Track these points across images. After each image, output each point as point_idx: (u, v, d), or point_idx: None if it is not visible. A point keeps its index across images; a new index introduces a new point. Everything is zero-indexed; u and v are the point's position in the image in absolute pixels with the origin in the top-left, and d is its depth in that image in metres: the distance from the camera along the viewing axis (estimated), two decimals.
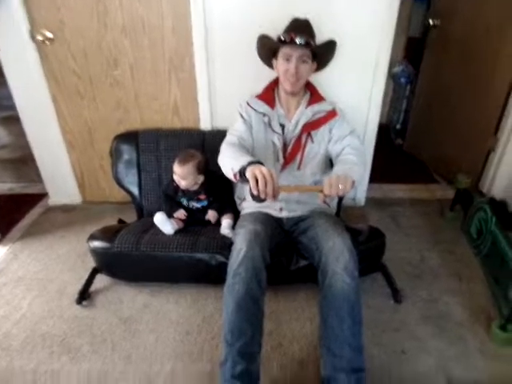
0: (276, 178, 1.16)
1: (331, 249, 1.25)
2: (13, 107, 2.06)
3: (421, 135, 2.80)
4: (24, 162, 2.48)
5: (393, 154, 2.97)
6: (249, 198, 1.57)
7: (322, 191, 1.18)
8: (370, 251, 1.57)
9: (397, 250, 1.88)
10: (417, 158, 2.83)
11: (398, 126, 3.11)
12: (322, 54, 1.50)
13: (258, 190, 1.14)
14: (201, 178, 1.67)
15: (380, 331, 1.45)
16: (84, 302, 1.59)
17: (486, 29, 2.13)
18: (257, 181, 1.15)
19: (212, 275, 1.56)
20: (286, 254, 1.52)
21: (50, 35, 1.84)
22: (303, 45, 1.39)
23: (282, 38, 1.41)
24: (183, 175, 1.63)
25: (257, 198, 1.17)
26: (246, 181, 1.18)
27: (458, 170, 2.16)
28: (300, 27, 1.45)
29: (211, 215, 1.68)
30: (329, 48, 1.52)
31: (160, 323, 1.50)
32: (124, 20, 1.80)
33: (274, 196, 1.16)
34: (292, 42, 1.39)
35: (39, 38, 1.83)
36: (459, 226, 2.07)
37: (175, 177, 1.66)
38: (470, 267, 1.79)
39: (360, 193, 2.24)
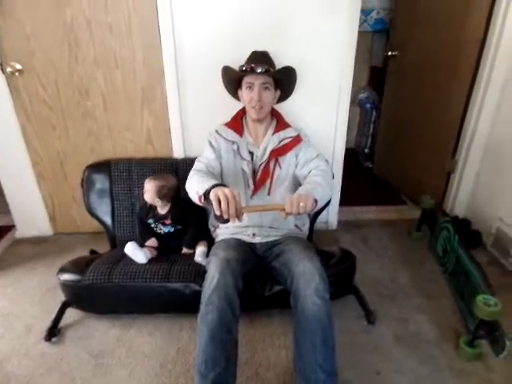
0: (238, 198, 1.19)
1: (302, 273, 1.27)
2: None
3: (387, 158, 2.93)
4: None
5: (362, 177, 3.08)
6: (221, 224, 1.60)
7: (283, 210, 1.21)
8: (341, 273, 1.60)
9: (368, 271, 1.93)
10: (385, 181, 2.94)
11: (367, 150, 3.24)
12: (283, 80, 1.58)
13: (221, 211, 1.17)
14: (159, 202, 1.69)
15: (354, 354, 1.47)
16: (53, 339, 1.53)
17: (437, 57, 2.31)
18: (220, 202, 1.17)
19: (186, 304, 1.54)
20: (260, 279, 1.53)
21: (19, 67, 1.84)
22: (263, 72, 1.47)
23: (244, 68, 1.50)
24: (152, 194, 1.66)
25: (220, 219, 1.19)
26: (211, 203, 1.20)
27: (422, 191, 2.27)
28: (259, 57, 1.54)
29: (185, 253, 1.69)
30: (288, 74, 1.60)
31: (133, 357, 1.46)
32: (96, 52, 1.84)
33: (238, 216, 1.18)
34: (252, 71, 1.47)
35: (9, 69, 1.83)
36: (426, 245, 2.15)
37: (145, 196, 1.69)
38: (438, 285, 1.85)
39: (332, 216, 2.30)
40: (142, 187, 1.80)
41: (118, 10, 1.76)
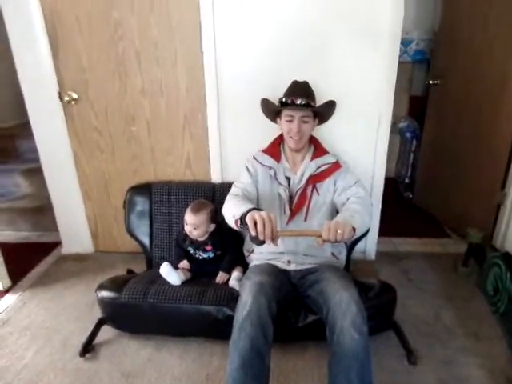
0: (275, 221, 1.19)
1: (338, 303, 1.23)
2: (36, 159, 2.19)
3: (429, 189, 2.82)
4: (41, 211, 2.57)
5: (402, 207, 2.97)
6: (256, 249, 1.60)
7: (320, 236, 1.19)
8: (380, 307, 1.52)
9: (409, 307, 1.81)
10: (427, 212, 2.82)
11: (407, 180, 3.14)
12: (323, 112, 1.60)
13: (257, 232, 1.16)
14: (212, 227, 1.70)
15: None
16: (87, 355, 1.56)
17: (481, 86, 2.23)
18: (256, 223, 1.17)
19: (218, 329, 1.52)
20: (294, 308, 1.49)
21: (75, 96, 2.00)
22: (303, 106, 1.48)
23: (284, 101, 1.52)
24: (196, 224, 1.65)
25: (255, 240, 1.19)
26: (247, 227, 1.20)
27: (468, 224, 2.14)
28: (300, 89, 1.55)
29: (220, 278, 1.66)
30: (328, 107, 1.62)
31: (163, 379, 1.45)
32: (143, 82, 1.96)
33: (273, 238, 1.18)
34: (293, 104, 1.49)
35: (66, 98, 1.99)
36: (474, 281, 2.00)
37: (186, 227, 1.69)
38: (487, 325, 1.71)
39: (370, 246, 2.22)
40: (181, 210, 1.86)
41: (166, 44, 1.88)
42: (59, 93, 1.99)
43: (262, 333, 1.17)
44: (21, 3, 1.81)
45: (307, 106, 1.50)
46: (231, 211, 1.37)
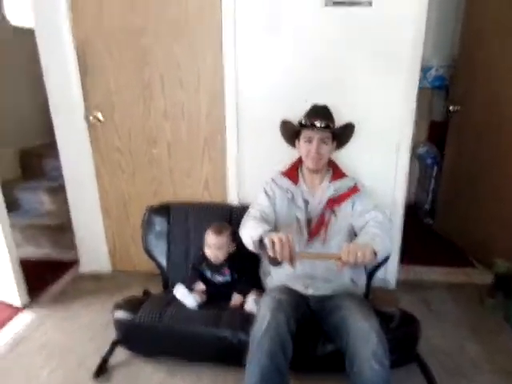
0: (293, 242, 1.18)
1: (358, 333, 1.19)
2: (60, 178, 2.26)
3: (450, 216, 2.74)
4: (61, 229, 2.61)
5: (423, 234, 2.89)
6: (273, 272, 1.57)
7: (339, 258, 1.16)
8: (402, 339, 1.46)
9: (432, 339, 1.73)
10: (448, 239, 2.74)
11: (427, 206, 3.08)
12: (342, 134, 1.61)
13: (275, 253, 1.15)
14: (232, 247, 1.70)
15: None
16: (101, 377, 1.54)
17: (501, 112, 2.21)
18: (274, 244, 1.15)
19: (233, 354, 1.47)
20: (312, 337, 1.44)
21: (101, 117, 2.07)
22: (323, 127, 1.50)
23: (303, 122, 1.54)
24: (219, 244, 1.66)
25: (273, 261, 1.18)
26: (265, 249, 1.19)
27: (492, 252, 2.07)
28: (319, 112, 1.57)
29: (235, 300, 1.65)
30: (347, 129, 1.63)
31: None
32: (166, 105, 2.02)
33: (291, 260, 1.16)
34: (312, 126, 1.50)
35: (92, 119, 2.06)
36: (501, 314, 1.91)
37: (208, 250, 1.68)
38: None
39: (390, 273, 2.15)
40: (198, 231, 1.86)
41: (188, 69, 1.95)
42: (85, 114, 2.06)
43: (282, 349, 1.14)
44: (53, 30, 1.91)
45: (327, 127, 1.51)
46: (249, 233, 1.37)
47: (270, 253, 1.16)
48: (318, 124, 1.50)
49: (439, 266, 2.41)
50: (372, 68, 1.82)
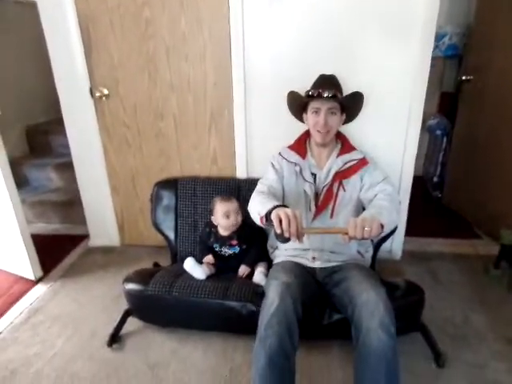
0: (300, 218, 1.17)
1: (365, 303, 1.20)
2: (68, 154, 2.26)
3: (459, 189, 2.72)
4: (71, 204, 2.65)
5: (430, 207, 2.89)
6: (280, 245, 1.59)
7: (346, 233, 1.16)
8: (407, 308, 1.49)
9: (437, 309, 1.76)
10: (456, 212, 2.73)
11: (436, 179, 3.04)
12: (350, 105, 1.56)
13: (282, 229, 1.15)
14: (240, 218, 1.71)
15: None
16: (114, 345, 1.60)
17: None
18: (281, 221, 1.16)
19: (242, 324, 1.53)
20: (319, 306, 1.47)
21: (106, 92, 2.05)
22: (331, 97, 1.46)
23: (310, 93, 1.50)
24: (230, 210, 1.68)
25: (281, 237, 1.18)
26: (272, 224, 1.20)
27: (501, 225, 2.06)
28: (326, 82, 1.54)
29: (242, 271, 1.67)
30: (356, 99, 1.58)
31: (187, 372, 1.47)
32: (171, 77, 1.99)
33: (298, 236, 1.16)
34: (320, 96, 1.47)
35: (97, 94, 2.04)
36: (506, 284, 1.92)
37: (217, 218, 1.70)
38: None
39: (396, 245, 2.17)
40: (206, 205, 1.87)
41: (194, 39, 1.90)
42: (91, 89, 2.04)
43: (289, 333, 1.15)
44: (57, 6, 1.86)
45: (334, 97, 1.47)
46: (257, 208, 1.37)
47: (278, 230, 1.16)
48: (325, 94, 1.46)
49: (445, 238, 2.42)
50: (383, 35, 1.76)
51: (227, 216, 1.69)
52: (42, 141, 3.24)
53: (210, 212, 1.77)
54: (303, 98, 1.56)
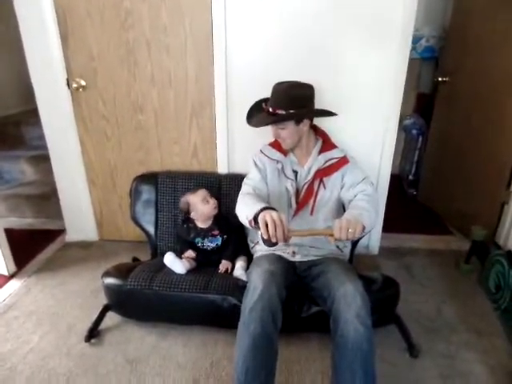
0: (286, 222, 1.20)
1: (343, 295, 1.24)
2: (42, 147, 2.20)
3: (434, 187, 2.82)
4: (46, 198, 2.58)
5: (406, 204, 2.97)
6: (261, 240, 1.60)
7: (332, 235, 1.19)
8: (383, 301, 1.54)
9: (411, 302, 1.83)
10: (430, 209, 2.82)
11: (411, 177, 3.14)
12: (300, 116, 1.48)
13: (269, 235, 1.17)
14: (214, 201, 1.74)
15: None
16: (92, 340, 1.58)
17: (490, 84, 2.23)
18: (267, 226, 1.18)
19: (223, 318, 1.54)
20: (298, 299, 1.50)
21: (83, 83, 2.00)
22: (272, 115, 1.47)
23: (263, 106, 1.55)
24: (205, 196, 1.72)
25: (268, 242, 1.20)
26: (259, 228, 1.22)
27: (472, 222, 2.15)
28: (274, 95, 1.50)
29: (224, 266, 1.67)
30: (301, 111, 1.48)
31: (167, 366, 1.46)
32: (152, 71, 1.96)
33: (285, 239, 1.19)
34: (265, 112, 1.50)
35: (74, 85, 1.99)
36: (476, 278, 2.02)
37: (198, 209, 1.71)
38: (489, 322, 1.72)
39: (373, 241, 2.23)
40: None
41: (175, 32, 1.88)
42: (67, 80, 1.98)
43: (272, 318, 1.18)
44: None
45: (275, 115, 1.46)
46: (244, 212, 1.38)
47: (264, 236, 1.18)
48: (270, 110, 1.47)
49: (420, 234, 2.50)
50: (362, 37, 1.79)
51: (207, 201, 1.71)
52: (14, 132, 3.13)
53: (186, 212, 1.76)
54: (258, 112, 1.58)
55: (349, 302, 1.21)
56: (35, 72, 1.98)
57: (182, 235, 1.79)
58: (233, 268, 1.66)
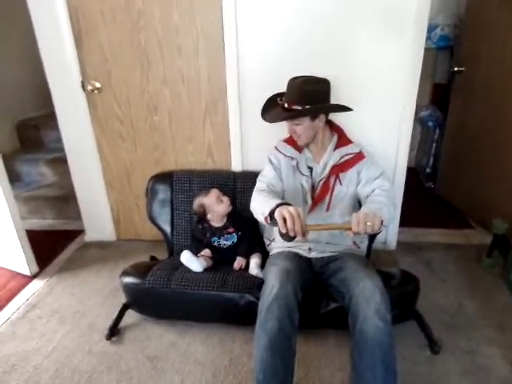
0: (303, 217, 1.19)
1: (361, 291, 1.22)
2: (61, 149, 2.24)
3: (452, 179, 2.76)
4: (65, 200, 2.63)
5: (423, 197, 2.92)
6: (278, 238, 1.60)
7: (350, 229, 1.18)
8: (402, 296, 1.51)
9: (432, 297, 1.80)
10: (449, 202, 2.77)
11: (428, 170, 3.08)
12: (315, 110, 1.45)
13: (287, 229, 1.17)
14: (227, 199, 1.75)
15: None
16: (113, 338, 1.60)
17: (507, 73, 2.17)
18: (285, 220, 1.17)
19: (240, 315, 1.55)
20: (316, 295, 1.49)
21: (98, 85, 2.03)
22: (288, 110, 1.45)
23: (278, 101, 1.52)
24: (218, 195, 1.73)
25: (286, 237, 1.20)
26: (276, 223, 1.21)
27: (493, 215, 2.09)
28: (290, 90, 1.47)
29: (239, 263, 1.68)
30: (318, 107, 1.45)
31: (186, 363, 1.48)
32: (165, 72, 1.97)
33: (303, 234, 1.18)
34: (281, 108, 1.48)
35: (89, 87, 2.02)
36: (498, 272, 1.97)
37: (214, 210, 1.72)
38: (511, 316, 1.68)
39: (391, 236, 2.19)
40: None
41: (187, 32, 1.88)
42: (82, 82, 2.02)
43: (289, 317, 1.18)
44: None
45: (290, 110, 1.44)
46: (259, 208, 1.37)
47: (283, 230, 1.18)
48: (286, 106, 1.45)
49: (439, 228, 2.45)
50: (376, 28, 1.76)
51: (220, 200, 1.72)
52: (33, 136, 3.21)
53: (202, 215, 1.76)
54: (275, 108, 1.55)
55: (368, 297, 1.20)
56: (51, 75, 2.02)
57: (198, 236, 1.80)
58: (247, 265, 1.67)
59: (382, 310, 1.16)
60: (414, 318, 1.59)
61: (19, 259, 2.04)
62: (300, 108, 1.42)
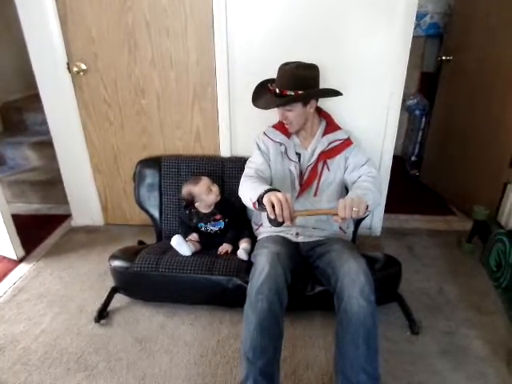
0: (291, 202, 1.21)
1: (347, 273, 1.26)
2: (45, 132, 2.20)
3: (436, 167, 2.81)
4: (52, 184, 2.60)
5: (408, 185, 2.98)
6: (266, 223, 1.62)
7: (336, 214, 1.21)
8: (385, 279, 1.56)
9: (414, 281, 1.86)
10: (433, 190, 2.83)
11: (414, 158, 3.13)
12: (308, 95, 1.46)
13: (275, 215, 1.19)
14: (216, 188, 1.76)
15: (396, 363, 1.42)
16: (102, 321, 1.62)
17: (496, 62, 2.20)
18: (273, 206, 1.19)
19: (228, 298, 1.58)
20: (302, 279, 1.53)
21: (84, 67, 1.98)
22: (280, 96, 1.45)
23: (270, 87, 1.52)
24: (208, 185, 1.73)
25: (274, 222, 1.22)
26: (264, 209, 1.23)
27: (474, 202, 2.16)
28: (281, 76, 1.47)
29: (224, 248, 1.71)
30: (308, 93, 1.45)
31: (175, 344, 1.51)
32: (153, 54, 1.94)
33: (291, 219, 1.20)
34: (272, 93, 1.48)
35: (75, 69, 1.97)
36: (477, 257, 2.04)
37: (203, 199, 1.73)
38: (489, 299, 1.75)
39: (376, 222, 2.24)
40: None
41: (175, 13, 1.85)
42: (68, 63, 1.97)
43: (279, 299, 1.21)
44: None
45: (282, 96, 1.44)
46: (248, 194, 1.38)
47: (271, 215, 1.20)
48: (277, 92, 1.45)
49: (422, 215, 2.51)
50: (365, 15, 1.76)
51: (210, 189, 1.72)
52: (17, 118, 3.13)
53: (190, 202, 1.77)
54: (265, 94, 1.54)
55: (352, 278, 1.24)
56: (35, 56, 1.96)
57: (184, 220, 1.81)
58: (235, 250, 1.69)
59: (366, 291, 1.20)
60: (396, 300, 1.65)
61: (5, 243, 2.02)
62: (293, 93, 1.43)
